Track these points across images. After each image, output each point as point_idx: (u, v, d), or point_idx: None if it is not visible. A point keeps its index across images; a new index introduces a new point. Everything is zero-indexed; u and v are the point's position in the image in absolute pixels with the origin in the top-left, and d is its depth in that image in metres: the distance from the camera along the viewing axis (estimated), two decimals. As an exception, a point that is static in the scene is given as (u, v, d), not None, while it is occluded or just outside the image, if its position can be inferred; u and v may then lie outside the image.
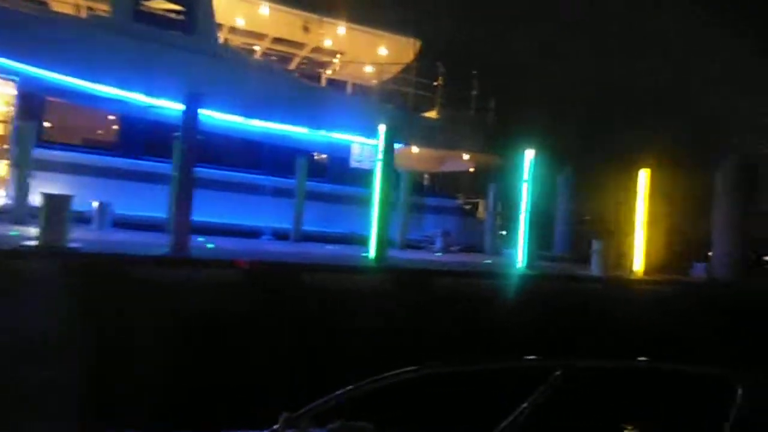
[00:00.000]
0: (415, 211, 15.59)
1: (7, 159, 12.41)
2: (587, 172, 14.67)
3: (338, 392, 2.40)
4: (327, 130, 15.56)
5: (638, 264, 10.56)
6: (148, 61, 13.17)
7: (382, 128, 8.25)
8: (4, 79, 12.58)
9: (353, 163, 15.88)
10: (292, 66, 19.00)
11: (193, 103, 7.29)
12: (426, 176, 21.48)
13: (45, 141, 12.39)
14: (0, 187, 12.61)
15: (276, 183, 14.12)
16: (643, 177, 10.70)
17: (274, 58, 18.75)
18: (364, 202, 16.03)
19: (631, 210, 10.75)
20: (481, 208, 19.55)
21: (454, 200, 18.78)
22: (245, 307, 6.02)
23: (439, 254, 12.82)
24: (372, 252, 8.06)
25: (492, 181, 18.83)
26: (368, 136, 15.84)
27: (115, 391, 5.05)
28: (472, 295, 7.43)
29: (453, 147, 17.59)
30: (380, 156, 8.30)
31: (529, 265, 9.22)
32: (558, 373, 2.31)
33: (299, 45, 18.44)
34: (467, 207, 18.93)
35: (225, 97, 13.58)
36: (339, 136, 15.77)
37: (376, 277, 7.20)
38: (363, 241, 12.92)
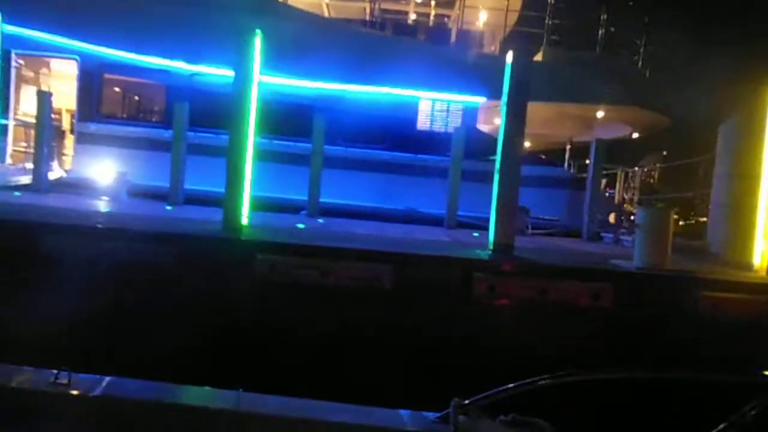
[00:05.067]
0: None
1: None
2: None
3: (510, 386, 2.35)
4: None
5: (759, 252, 5.83)
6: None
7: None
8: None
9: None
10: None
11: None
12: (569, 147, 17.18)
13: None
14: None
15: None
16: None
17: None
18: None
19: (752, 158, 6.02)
20: (619, 184, 14.75)
21: (563, 170, 14.14)
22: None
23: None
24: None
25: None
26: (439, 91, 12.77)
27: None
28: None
29: (569, 99, 13.25)
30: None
31: (500, 246, 5.47)
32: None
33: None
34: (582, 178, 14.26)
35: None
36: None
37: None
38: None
